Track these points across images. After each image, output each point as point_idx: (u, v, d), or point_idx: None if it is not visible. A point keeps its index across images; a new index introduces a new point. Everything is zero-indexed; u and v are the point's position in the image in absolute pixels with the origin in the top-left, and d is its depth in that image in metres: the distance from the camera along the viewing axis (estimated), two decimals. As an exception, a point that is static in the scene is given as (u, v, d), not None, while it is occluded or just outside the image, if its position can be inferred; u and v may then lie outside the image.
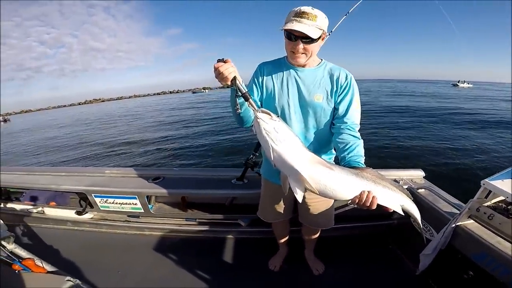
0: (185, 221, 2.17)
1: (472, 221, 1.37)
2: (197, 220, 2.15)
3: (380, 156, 6.50)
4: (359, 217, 1.99)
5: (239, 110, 1.09)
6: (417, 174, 2.00)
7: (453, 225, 1.38)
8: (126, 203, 2.06)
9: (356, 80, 1.22)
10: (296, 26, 1.03)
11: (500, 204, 1.32)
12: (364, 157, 1.11)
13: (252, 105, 0.99)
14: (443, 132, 9.36)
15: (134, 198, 2.02)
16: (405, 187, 1.83)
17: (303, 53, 1.12)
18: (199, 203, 2.21)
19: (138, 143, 9.65)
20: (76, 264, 1.90)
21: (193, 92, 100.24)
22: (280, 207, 1.54)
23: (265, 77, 1.26)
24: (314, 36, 1.05)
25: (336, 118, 1.22)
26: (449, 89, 46.34)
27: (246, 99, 1.01)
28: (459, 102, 20.92)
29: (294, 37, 1.08)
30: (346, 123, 1.17)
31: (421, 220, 1.72)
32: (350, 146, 1.11)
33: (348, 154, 1.09)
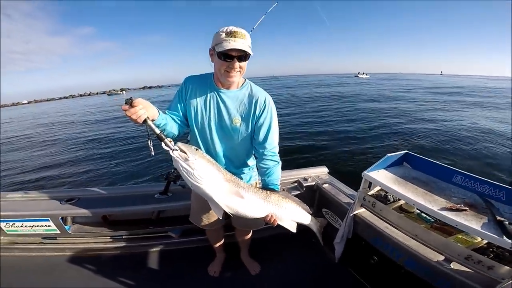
0: (110, 239, 2.09)
1: (364, 209, 1.65)
2: (123, 236, 2.08)
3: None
4: None
5: (152, 153, 1.05)
6: (322, 171, 2.34)
7: (351, 214, 1.64)
8: (38, 226, 1.95)
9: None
10: (236, 45, 1.06)
11: (380, 192, 1.63)
12: (280, 178, 1.35)
13: (168, 146, 1.03)
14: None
15: (47, 220, 1.91)
16: (313, 183, 2.13)
17: (238, 71, 1.16)
18: (124, 220, 2.13)
19: (37, 164, 7.95)
20: None
21: (109, 94, 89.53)
22: (212, 214, 1.58)
23: (189, 94, 1.27)
24: (251, 53, 1.11)
25: (257, 144, 1.31)
26: (352, 79, 58.31)
27: (161, 140, 1.03)
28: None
29: (230, 56, 1.10)
30: (267, 148, 1.30)
31: (330, 213, 2.00)
32: (270, 171, 1.31)
33: (267, 177, 1.31)
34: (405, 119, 10.81)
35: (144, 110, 0.99)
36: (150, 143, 1.03)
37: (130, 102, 0.96)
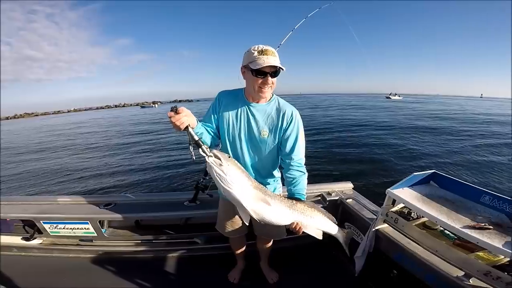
0: (140, 243, 2.23)
1: (387, 225, 1.67)
2: (153, 241, 2.22)
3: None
4: None
5: (193, 158, 1.14)
6: (347, 186, 2.36)
7: (373, 230, 1.67)
8: (78, 228, 2.09)
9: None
10: (269, 62, 1.15)
11: (403, 209, 1.64)
12: (306, 188, 1.40)
13: (204, 152, 1.12)
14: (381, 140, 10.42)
15: (86, 223, 2.06)
16: (336, 198, 2.17)
17: (270, 87, 1.25)
18: (154, 225, 2.29)
19: (80, 169, 8.68)
20: None
21: (142, 107, 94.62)
22: (236, 223, 1.68)
23: (222, 107, 1.37)
24: (283, 68, 1.20)
25: (284, 155, 1.39)
26: (384, 101, 54.97)
27: (199, 146, 1.13)
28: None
29: (264, 73, 1.19)
30: (293, 159, 1.36)
31: (353, 227, 2.04)
32: (296, 180, 1.36)
33: (294, 187, 1.36)
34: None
35: (187, 117, 1.09)
36: (191, 149, 1.12)
37: (175, 110, 1.07)
